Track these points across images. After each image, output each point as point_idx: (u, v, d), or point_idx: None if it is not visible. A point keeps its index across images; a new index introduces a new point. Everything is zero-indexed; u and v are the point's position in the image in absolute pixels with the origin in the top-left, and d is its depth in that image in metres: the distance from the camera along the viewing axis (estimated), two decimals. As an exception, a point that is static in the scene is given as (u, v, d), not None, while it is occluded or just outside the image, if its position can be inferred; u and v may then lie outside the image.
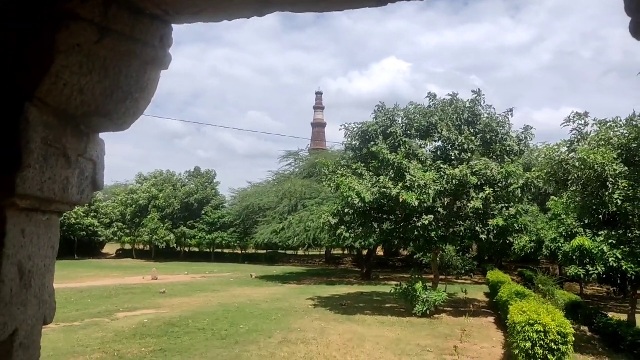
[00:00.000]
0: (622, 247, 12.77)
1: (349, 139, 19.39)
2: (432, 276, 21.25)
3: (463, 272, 35.53)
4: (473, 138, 17.90)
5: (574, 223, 17.97)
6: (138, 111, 1.51)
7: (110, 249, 62.38)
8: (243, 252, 56.86)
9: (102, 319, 16.25)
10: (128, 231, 54.14)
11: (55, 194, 1.33)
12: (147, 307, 18.83)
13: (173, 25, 1.49)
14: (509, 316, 11.88)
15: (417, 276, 18.97)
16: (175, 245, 53.02)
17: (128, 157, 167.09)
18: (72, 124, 1.37)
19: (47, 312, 1.47)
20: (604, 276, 17.12)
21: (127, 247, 59.74)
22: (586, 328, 17.30)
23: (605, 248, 12.74)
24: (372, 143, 18.07)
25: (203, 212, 52.34)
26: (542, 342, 9.86)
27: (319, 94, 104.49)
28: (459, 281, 34.06)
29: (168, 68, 1.51)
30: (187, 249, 57.60)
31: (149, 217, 51.12)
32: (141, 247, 60.19)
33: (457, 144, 17.68)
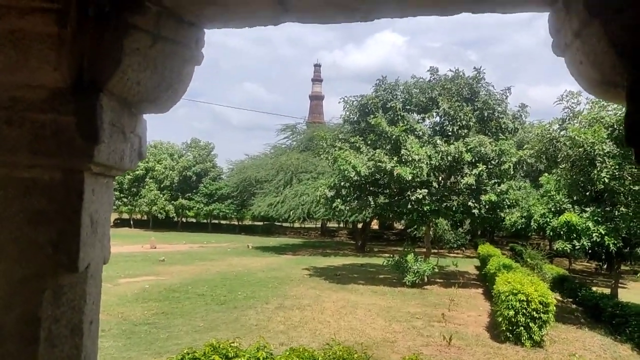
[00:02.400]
0: (607, 223, 13.29)
1: (348, 112, 19.65)
2: (425, 249, 21.86)
3: (455, 246, 36.39)
4: (471, 115, 18.21)
5: (563, 199, 18.51)
6: (177, 98, 1.89)
7: (107, 217, 62.91)
8: (240, 223, 57.54)
9: (104, 284, 16.45)
10: (125, 200, 54.56)
11: (115, 162, 1.73)
12: (147, 274, 19.41)
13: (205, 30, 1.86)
14: (494, 286, 12.48)
15: (409, 248, 19.55)
16: (174, 215, 53.60)
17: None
18: (128, 108, 1.76)
19: (106, 254, 1.90)
20: (590, 252, 17.78)
21: (125, 216, 60.28)
22: (570, 300, 18.04)
23: (590, 224, 13.25)
24: (372, 116, 18.34)
25: (201, 184, 52.76)
26: (524, 311, 10.49)
27: (317, 66, 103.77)
28: (451, 255, 34.84)
29: (201, 64, 1.89)
30: (184, 219, 58.19)
31: (146, 187, 51.50)
32: (138, 216, 60.75)
33: (457, 119, 17.96)
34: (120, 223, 60.01)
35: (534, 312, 10.48)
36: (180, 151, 55.40)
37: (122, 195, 54.76)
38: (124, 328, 10.88)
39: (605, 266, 29.39)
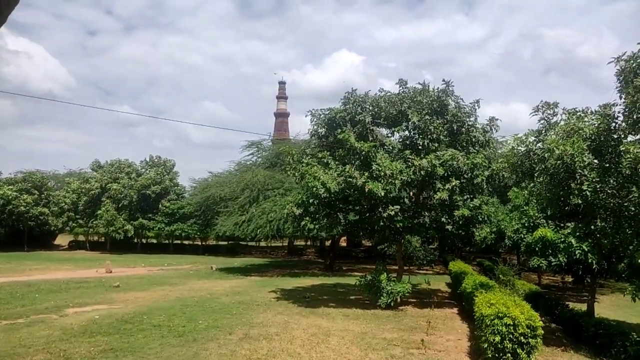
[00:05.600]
0: (589, 239, 12.77)
1: (315, 126, 18.83)
2: (395, 267, 21.07)
3: (425, 262, 35.85)
4: (442, 128, 17.66)
5: (537, 214, 18.09)
6: None
7: (62, 240, 59.74)
8: (203, 243, 55.59)
9: (49, 315, 15.17)
10: (81, 221, 51.83)
11: None
12: (99, 302, 17.78)
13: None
14: (475, 308, 11.67)
15: (381, 267, 18.67)
16: (132, 236, 51.15)
17: (77, 144, 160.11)
18: None
19: None
20: (566, 267, 17.32)
21: (81, 238, 57.32)
22: (548, 318, 17.49)
23: (572, 241, 12.69)
24: (339, 130, 17.59)
25: (161, 204, 50.61)
26: (511, 336, 9.65)
27: (282, 84, 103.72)
28: (421, 271, 34.28)
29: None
30: (144, 241, 55.78)
31: (102, 208, 48.97)
32: (95, 238, 57.93)
33: (427, 132, 17.37)
34: (76, 245, 57.05)
35: (522, 337, 9.66)
36: (140, 169, 53.21)
37: (77, 216, 52.06)
38: (64, 370, 9.44)
39: (572, 279, 29.36)
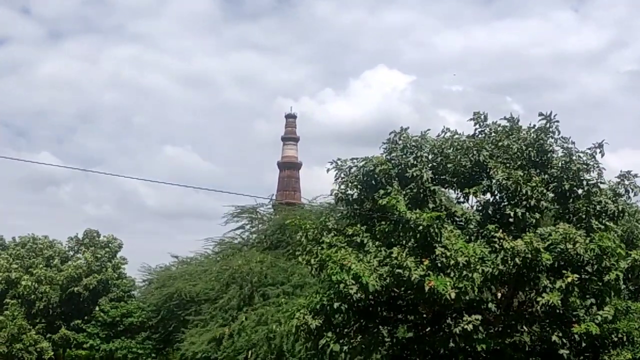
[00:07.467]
0: None
1: (343, 185, 19.26)
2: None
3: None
4: (544, 189, 17.67)
5: None
6: None
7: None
8: (160, 374, 55.27)
9: None
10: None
11: None
12: None
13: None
14: None
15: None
16: (51, 357, 51.06)
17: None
18: None
19: None
20: None
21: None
22: None
23: None
24: (382, 192, 17.85)
25: (98, 307, 50.78)
26: None
27: (290, 118, 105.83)
28: None
29: None
30: (67, 367, 55.62)
31: (6, 312, 49.29)
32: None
33: (521, 197, 17.55)
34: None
35: None
36: (66, 252, 53.87)
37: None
38: None
39: None
